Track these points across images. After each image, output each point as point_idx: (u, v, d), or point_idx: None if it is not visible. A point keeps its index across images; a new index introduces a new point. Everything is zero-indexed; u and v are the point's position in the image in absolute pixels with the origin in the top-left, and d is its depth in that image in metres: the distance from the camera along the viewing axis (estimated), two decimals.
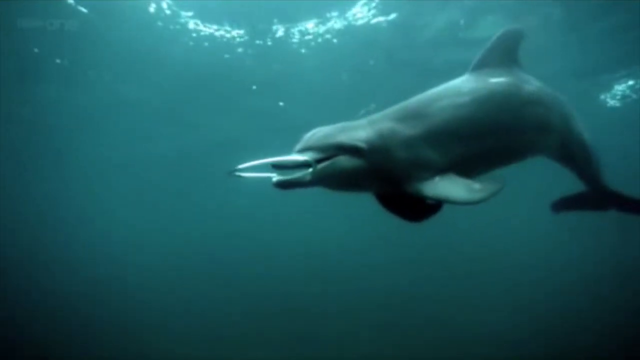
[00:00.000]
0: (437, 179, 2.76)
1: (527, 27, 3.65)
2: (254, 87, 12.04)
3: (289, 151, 2.66)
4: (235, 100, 12.94)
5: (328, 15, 9.20)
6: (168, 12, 8.98)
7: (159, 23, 9.26)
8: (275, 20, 9.41)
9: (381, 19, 9.12)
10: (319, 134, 2.70)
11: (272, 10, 9.10)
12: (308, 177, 2.52)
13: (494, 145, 3.07)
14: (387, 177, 2.77)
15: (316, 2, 8.87)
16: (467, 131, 2.93)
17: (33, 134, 15.07)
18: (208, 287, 17.65)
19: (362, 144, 2.64)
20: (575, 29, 9.42)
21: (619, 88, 13.03)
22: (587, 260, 18.59)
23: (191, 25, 9.44)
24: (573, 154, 3.87)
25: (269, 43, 10.08)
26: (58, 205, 23.66)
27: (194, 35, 9.73)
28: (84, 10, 8.62)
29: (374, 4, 8.72)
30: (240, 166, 2.50)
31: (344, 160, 2.62)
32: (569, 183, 4.48)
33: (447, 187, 2.70)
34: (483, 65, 3.37)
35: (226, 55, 10.48)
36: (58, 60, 10.48)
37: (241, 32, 9.78)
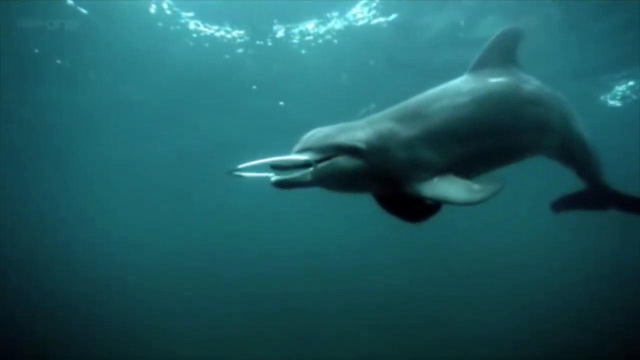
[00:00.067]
0: (436, 179, 2.76)
1: (527, 28, 3.65)
2: (254, 87, 12.04)
3: (288, 151, 2.66)
4: (235, 101, 12.94)
5: (328, 15, 9.21)
6: (169, 12, 8.99)
7: (160, 24, 9.26)
8: (275, 21, 9.42)
9: (381, 19, 9.12)
10: (318, 134, 2.70)
11: (272, 11, 9.10)
12: (307, 177, 2.53)
13: (494, 145, 3.07)
14: (386, 178, 2.77)
15: (316, 3, 8.87)
16: (466, 131, 2.93)
17: (33, 134, 15.08)
18: (208, 287, 17.65)
19: (361, 145, 2.64)
20: (575, 29, 9.43)
21: (619, 89, 13.02)
22: (587, 260, 18.59)
23: (192, 25, 9.44)
24: (573, 153, 3.87)
25: (269, 43, 10.09)
26: (58, 205, 23.66)
27: (195, 36, 9.74)
28: (84, 11, 8.62)
29: (374, 4, 8.73)
30: (240, 166, 2.50)
31: (343, 161, 2.61)
32: (569, 183, 4.48)
33: (446, 187, 2.70)
34: (482, 66, 3.37)
35: (226, 56, 10.48)
36: (58, 61, 10.48)
37: (241, 32, 9.78)
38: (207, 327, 12.54)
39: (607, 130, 10.23)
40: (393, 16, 9.01)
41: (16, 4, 8.15)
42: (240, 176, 2.60)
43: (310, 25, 9.53)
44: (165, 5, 8.81)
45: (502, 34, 3.47)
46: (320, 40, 9.93)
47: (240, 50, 10.35)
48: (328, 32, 9.66)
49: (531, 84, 3.43)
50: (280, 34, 9.76)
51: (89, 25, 8.92)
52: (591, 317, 11.09)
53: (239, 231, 26.13)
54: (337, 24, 9.40)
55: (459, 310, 13.00)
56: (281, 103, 13.08)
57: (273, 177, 2.53)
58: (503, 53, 3.44)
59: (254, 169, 2.52)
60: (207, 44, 9.99)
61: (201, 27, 9.54)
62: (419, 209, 2.96)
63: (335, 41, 9.87)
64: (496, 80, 3.29)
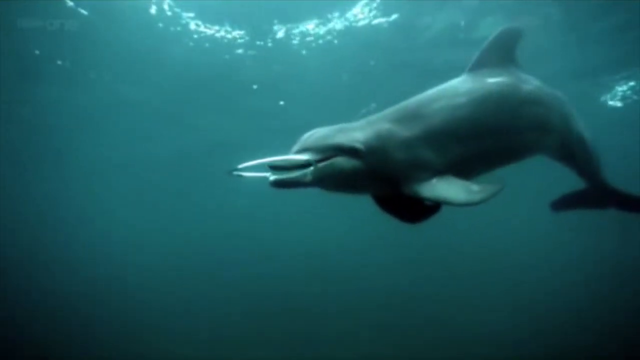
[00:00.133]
0: (435, 180, 2.75)
1: (527, 28, 3.65)
2: (255, 86, 12.04)
3: (288, 152, 2.66)
4: (235, 101, 12.94)
5: (329, 16, 9.21)
6: (169, 13, 8.99)
7: (160, 24, 9.26)
8: (275, 21, 9.42)
9: (382, 19, 9.12)
10: (317, 135, 2.70)
11: (272, 11, 9.10)
12: (307, 178, 2.53)
13: (493, 145, 3.06)
14: (385, 178, 2.77)
15: (317, 3, 8.87)
16: (465, 132, 2.93)
17: (33, 134, 15.08)
18: (208, 287, 17.65)
19: (360, 145, 2.64)
20: (575, 29, 9.42)
21: (620, 89, 13.02)
22: (587, 260, 18.59)
23: (192, 26, 9.45)
24: (573, 153, 3.86)
25: (270, 44, 10.09)
26: (58, 205, 23.66)
27: (195, 36, 9.74)
28: (84, 12, 8.62)
29: (374, 5, 8.73)
30: (240, 166, 2.50)
31: (342, 161, 2.61)
32: (569, 182, 4.48)
33: (446, 188, 2.69)
34: (481, 65, 3.36)
35: (226, 56, 10.48)
36: (59, 62, 10.49)
37: (242, 32, 9.78)
38: (207, 327, 12.54)
39: (608, 130, 10.24)
40: (393, 16, 9.00)
41: (16, 4, 8.15)
42: (240, 176, 2.60)
43: (310, 26, 9.54)
44: (165, 6, 8.81)
45: (501, 33, 3.46)
46: (320, 41, 9.93)
47: (240, 51, 10.35)
48: (328, 32, 9.66)
49: (530, 83, 3.42)
50: (280, 34, 9.76)
51: (89, 25, 8.93)
52: (591, 317, 11.09)
53: (239, 231, 26.14)
54: (337, 24, 9.40)
55: (459, 310, 13.00)
56: (281, 103, 13.09)
57: (272, 176, 2.52)
58: (502, 53, 3.43)
59: (254, 168, 2.52)
60: (207, 44, 9.99)
61: (201, 28, 9.55)
62: (418, 210, 2.96)
63: (336, 41, 9.87)
64: (495, 80, 3.28)
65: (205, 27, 9.53)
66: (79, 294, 15.29)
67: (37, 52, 9.94)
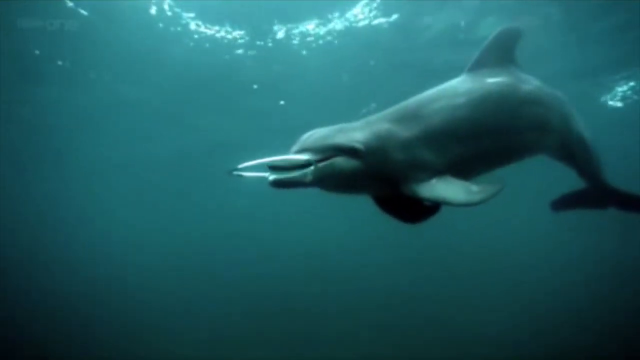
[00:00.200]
0: (434, 180, 2.75)
1: (527, 28, 3.65)
2: (255, 86, 12.04)
3: (288, 152, 2.66)
4: (235, 101, 12.94)
5: (329, 16, 9.21)
6: (169, 13, 8.99)
7: (160, 24, 9.26)
8: (276, 22, 9.42)
9: (382, 20, 9.12)
10: (316, 135, 2.70)
11: (273, 12, 9.10)
12: (306, 178, 2.52)
13: (492, 146, 3.06)
14: (384, 179, 2.77)
15: (317, 3, 8.87)
16: (465, 132, 2.93)
17: (33, 134, 15.08)
18: (208, 287, 17.65)
19: (359, 145, 2.63)
20: (575, 29, 9.43)
21: (620, 89, 13.01)
22: (587, 260, 18.59)
23: (192, 26, 9.45)
24: (573, 152, 3.86)
25: (270, 44, 10.09)
26: (58, 205, 23.66)
27: (196, 36, 9.74)
28: (84, 12, 8.63)
29: (374, 5, 8.73)
30: (240, 166, 2.50)
31: (341, 162, 2.61)
32: (569, 182, 4.48)
33: (445, 188, 2.70)
34: (480, 65, 3.36)
35: (227, 56, 10.49)
36: (59, 62, 10.49)
37: (242, 33, 9.78)
38: (207, 327, 12.54)
39: (608, 130, 10.24)
40: (394, 17, 9.01)
41: (16, 4, 8.16)
42: (240, 176, 2.60)
43: (310, 26, 9.54)
44: (166, 6, 8.81)
45: (500, 33, 3.46)
46: (320, 41, 9.93)
47: (240, 51, 10.35)
48: (329, 32, 9.66)
49: (530, 83, 3.42)
50: (280, 34, 9.76)
51: (89, 26, 8.93)
52: (591, 317, 11.09)
53: (239, 231, 26.14)
54: (337, 24, 9.40)
55: (459, 310, 13.00)
56: (282, 102, 13.08)
57: (271, 176, 2.52)
58: (501, 52, 3.43)
59: (254, 168, 2.52)
60: (207, 45, 9.99)
61: (202, 28, 9.55)
62: (417, 210, 2.96)
63: (336, 42, 9.87)
64: (494, 80, 3.28)
65: (206, 27, 9.53)
66: (79, 294, 15.29)
67: (37, 52, 9.94)
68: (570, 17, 8.99)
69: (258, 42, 10.07)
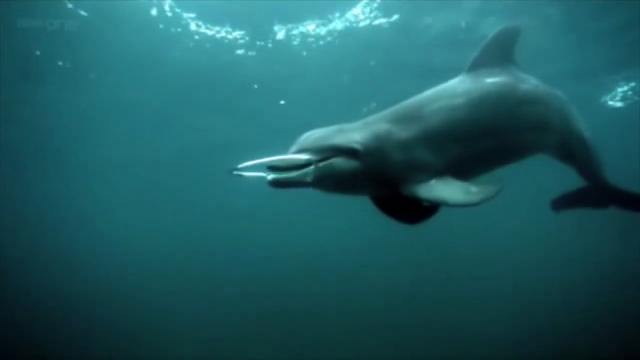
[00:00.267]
0: (433, 181, 2.75)
1: (527, 28, 3.64)
2: (256, 86, 12.04)
3: (287, 152, 2.66)
4: (235, 102, 12.94)
5: (330, 16, 9.21)
6: (170, 14, 8.99)
7: (161, 25, 9.27)
8: (276, 22, 9.42)
9: (383, 20, 9.12)
10: (315, 135, 2.70)
11: (273, 12, 9.10)
12: (305, 178, 2.52)
13: (492, 146, 3.06)
14: (383, 179, 2.77)
15: (317, 3, 8.87)
16: (463, 132, 2.92)
17: (33, 134, 15.08)
18: (208, 287, 17.65)
19: (357, 146, 2.64)
20: (575, 29, 9.42)
21: (620, 89, 13.01)
22: (587, 260, 18.59)
23: (193, 26, 9.45)
24: (574, 152, 3.85)
25: (270, 44, 10.09)
26: (58, 205, 23.65)
27: (196, 37, 9.74)
28: (84, 13, 8.63)
29: (375, 5, 8.73)
30: (241, 165, 2.50)
31: (340, 162, 2.61)
32: (569, 182, 4.48)
33: (443, 189, 2.69)
34: (479, 65, 3.35)
35: (227, 57, 10.49)
36: (60, 63, 10.49)
37: (242, 33, 9.78)
38: (207, 327, 12.54)
39: (608, 131, 10.23)
40: (394, 17, 9.01)
41: (16, 4, 8.16)
42: (241, 176, 2.60)
43: (311, 27, 9.54)
44: (166, 7, 8.82)
45: (499, 33, 3.45)
46: (321, 42, 9.93)
47: (241, 51, 10.35)
48: (329, 33, 9.66)
49: (529, 83, 3.41)
50: (280, 35, 9.76)
51: (89, 26, 8.94)
52: (591, 318, 11.09)
53: (239, 231, 26.13)
54: (338, 24, 9.40)
55: (460, 310, 13.01)
56: (282, 102, 13.08)
57: (269, 176, 2.52)
58: (500, 52, 3.42)
59: (254, 168, 2.52)
60: (207, 45, 9.99)
61: (202, 29, 9.55)
62: (416, 211, 2.96)
63: (336, 42, 9.87)
64: (493, 80, 3.27)
65: (206, 27, 9.54)
66: (78, 294, 15.29)
67: (37, 53, 9.94)
68: (570, 17, 8.99)
69: (258, 43, 10.07)
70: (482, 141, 3.00)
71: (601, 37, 9.66)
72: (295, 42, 9.99)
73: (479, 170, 3.13)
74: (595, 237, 19.00)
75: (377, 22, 9.17)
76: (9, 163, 17.27)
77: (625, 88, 12.91)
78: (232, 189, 19.95)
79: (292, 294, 15.49)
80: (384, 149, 2.72)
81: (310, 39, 9.89)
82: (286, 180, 2.51)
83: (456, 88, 3.17)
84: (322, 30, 9.62)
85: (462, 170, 2.90)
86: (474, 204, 2.56)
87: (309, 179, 2.53)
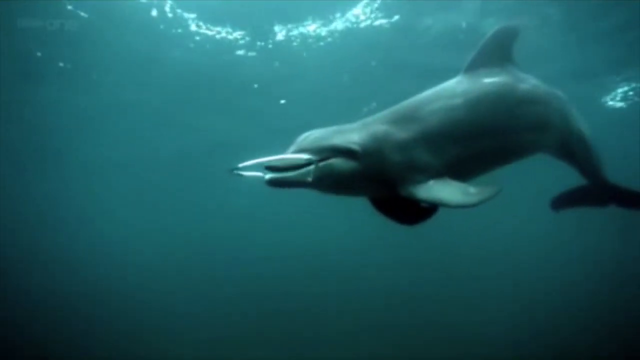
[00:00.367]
0: (431, 182, 2.74)
1: (527, 28, 3.65)
2: (256, 85, 12.04)
3: (285, 153, 2.65)
4: (236, 102, 12.95)
5: (330, 17, 9.21)
6: (170, 15, 9.00)
7: (161, 26, 9.27)
8: (276, 22, 9.42)
9: (383, 21, 9.13)
10: (313, 136, 2.70)
11: (273, 12, 9.11)
12: (304, 177, 2.52)
13: (491, 146, 3.05)
14: (381, 180, 2.76)
15: (317, 4, 8.87)
16: (462, 133, 2.92)
17: (33, 134, 15.08)
18: (208, 287, 17.65)
19: (356, 147, 2.64)
20: (575, 29, 9.42)
21: (621, 90, 13.00)
22: (587, 259, 18.59)
23: (193, 27, 9.46)
24: (573, 151, 3.84)
25: (270, 45, 10.09)
26: (58, 205, 23.65)
27: (197, 38, 9.75)
28: (83, 14, 8.63)
29: (375, 5, 8.73)
30: (241, 165, 2.50)
31: (338, 163, 2.61)
32: (569, 182, 4.47)
33: (442, 190, 2.69)
34: (477, 65, 3.34)
35: (227, 57, 10.49)
36: (61, 64, 10.49)
37: (242, 33, 9.78)
38: (207, 327, 12.54)
39: (609, 131, 10.22)
40: (395, 18, 9.01)
41: (16, 4, 8.16)
42: (240, 175, 2.60)
43: (311, 27, 9.54)
44: (167, 8, 8.82)
45: (497, 32, 3.44)
46: (321, 43, 9.93)
47: (241, 52, 10.35)
48: (330, 33, 9.66)
49: (528, 82, 3.40)
50: (281, 35, 9.76)
51: (90, 27, 8.94)
52: (591, 317, 11.09)
53: (238, 231, 26.12)
54: (338, 25, 9.40)
55: (459, 310, 13.01)
56: (282, 101, 13.07)
57: (267, 175, 2.52)
58: (498, 52, 3.41)
59: (254, 168, 2.52)
60: (208, 45, 10.00)
61: (202, 29, 9.55)
62: (414, 212, 2.95)
63: (337, 42, 9.87)
64: (492, 80, 3.26)
65: (207, 28, 9.54)
66: (79, 294, 15.29)
67: (38, 53, 9.95)
68: (570, 17, 8.99)
69: (259, 43, 10.07)
70: (481, 141, 2.99)
71: (601, 37, 9.65)
72: (295, 43, 9.99)
73: (478, 171, 3.13)
74: (595, 236, 19.00)
75: (377, 22, 9.18)
76: (9, 163, 17.26)
77: (626, 88, 12.90)
78: (232, 189, 19.94)
79: (292, 294, 15.48)
80: (382, 150, 2.72)
81: (310, 40, 9.89)
82: (284, 180, 2.51)
83: (455, 88, 3.16)
84: (323, 31, 9.63)
85: (461, 170, 2.89)
86: (473, 205, 2.56)
87: (307, 179, 2.53)
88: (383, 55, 10.46)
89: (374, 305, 14.03)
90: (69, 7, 8.40)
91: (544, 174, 8.91)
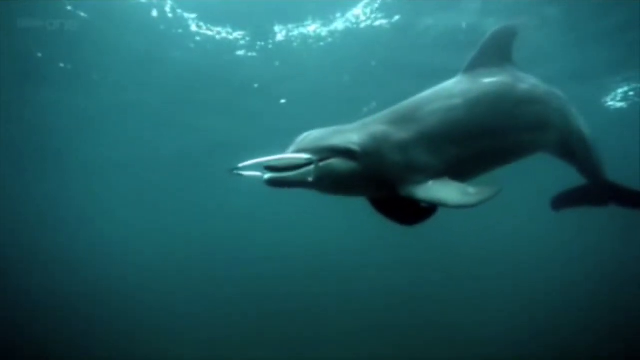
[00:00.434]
0: (431, 182, 2.74)
1: (525, 27, 3.65)
2: (256, 85, 12.04)
3: (285, 153, 2.65)
4: (235, 102, 12.95)
5: (331, 17, 9.21)
6: (170, 15, 9.00)
7: (162, 26, 9.27)
8: (277, 22, 9.42)
9: (384, 21, 9.13)
10: (312, 136, 2.69)
11: (274, 12, 9.10)
12: (304, 177, 2.52)
13: (490, 146, 3.05)
14: (380, 180, 2.76)
15: (318, 4, 8.87)
16: (461, 133, 2.92)
17: (33, 135, 15.09)
18: (208, 287, 17.64)
19: (355, 147, 2.63)
20: (575, 29, 9.42)
21: (621, 90, 12.99)
22: (587, 259, 18.59)
23: (193, 27, 9.46)
24: (574, 150, 3.84)
25: (270, 45, 10.09)
26: (58, 205, 23.66)
27: (197, 38, 9.75)
28: (83, 15, 8.63)
29: (376, 6, 8.73)
30: (241, 165, 2.50)
31: (337, 163, 2.60)
32: (569, 182, 4.47)
33: (441, 190, 2.68)
34: (476, 66, 3.34)
35: (228, 57, 10.49)
36: (61, 64, 10.49)
37: (243, 34, 9.78)
38: (207, 327, 12.54)
39: (609, 131, 10.22)
40: (395, 18, 9.01)
41: (16, 4, 8.16)
42: (240, 175, 2.60)
43: (312, 27, 9.54)
44: (167, 8, 8.82)
45: (496, 32, 3.44)
46: (322, 43, 9.93)
47: (241, 52, 10.35)
48: (330, 34, 9.66)
49: (527, 82, 3.39)
50: (281, 35, 9.76)
51: (90, 28, 8.94)
52: (591, 317, 11.09)
53: (238, 231, 26.13)
54: (339, 25, 9.40)
55: (459, 310, 13.00)
56: (283, 100, 13.07)
57: (266, 175, 2.52)
58: (497, 52, 3.41)
59: (254, 168, 2.51)
60: (208, 46, 10.00)
61: (203, 29, 9.56)
62: (413, 212, 2.95)
63: (337, 43, 9.87)
64: (491, 80, 3.26)
65: (207, 28, 9.54)
66: (79, 294, 15.29)
67: (39, 54, 9.95)
68: (570, 17, 8.98)
69: (259, 43, 10.08)
70: (480, 141, 2.99)
71: (601, 37, 9.65)
72: (295, 43, 10.00)
73: (478, 171, 3.12)
74: (596, 236, 19.01)
75: (377, 22, 9.18)
76: (9, 163, 17.27)
77: (626, 88, 12.90)
78: (232, 189, 19.94)
79: (292, 294, 15.48)
80: (381, 150, 2.71)
81: (310, 40, 9.89)
82: (283, 180, 2.51)
83: (454, 88, 3.16)
84: (323, 31, 9.63)
85: (460, 171, 2.89)
86: (472, 206, 2.55)
87: (306, 179, 2.53)
88: (383, 56, 10.45)
89: (374, 305, 14.03)
90: (69, 8, 8.40)
91: (544, 174, 8.92)
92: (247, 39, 9.94)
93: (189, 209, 25.08)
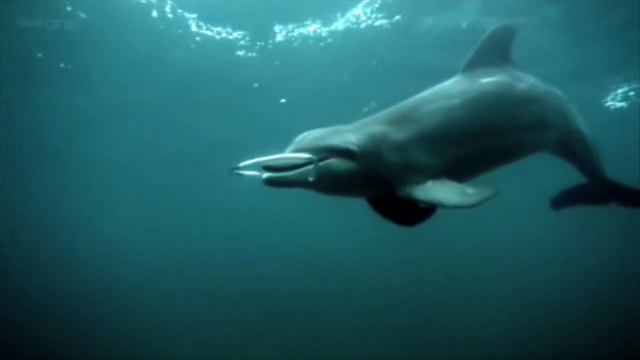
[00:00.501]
0: (430, 183, 2.74)
1: (524, 27, 3.65)
2: (256, 85, 12.04)
3: (284, 153, 2.65)
4: (236, 102, 12.95)
5: (331, 17, 9.21)
6: (171, 15, 9.00)
7: (162, 26, 9.27)
8: (277, 23, 9.42)
9: (384, 21, 9.13)
10: (311, 136, 2.69)
11: (274, 13, 9.11)
12: (302, 178, 2.51)
13: (490, 146, 3.05)
14: (379, 181, 2.76)
15: (318, 4, 8.87)
16: (460, 133, 2.91)
17: (34, 135, 15.09)
18: (208, 287, 17.65)
19: (354, 147, 2.63)
20: (575, 29, 9.42)
21: (621, 90, 12.99)
22: (588, 259, 18.58)
23: (194, 28, 9.46)
24: (574, 149, 3.83)
25: (270, 46, 10.09)
26: (58, 205, 23.66)
27: (197, 38, 9.75)
28: (83, 15, 8.63)
29: (376, 6, 8.73)
30: (241, 164, 2.50)
31: (336, 163, 2.60)
32: (569, 182, 4.46)
33: (440, 191, 2.68)
34: (475, 65, 3.33)
35: (228, 58, 10.49)
36: (62, 65, 10.50)
37: (243, 34, 9.79)
38: (207, 328, 12.54)
39: (609, 131, 10.22)
40: (396, 18, 9.01)
41: (16, 4, 8.16)
42: (240, 175, 2.59)
43: (312, 27, 9.54)
44: (167, 9, 8.83)
45: (495, 32, 3.43)
46: (322, 43, 9.93)
47: (241, 52, 10.36)
48: (330, 34, 9.66)
49: (527, 82, 3.38)
50: (282, 35, 9.77)
51: (90, 28, 8.94)
52: (591, 317, 11.09)
53: (239, 231, 26.12)
54: (339, 25, 9.40)
55: (459, 310, 13.01)
56: (283, 101, 13.07)
57: (265, 174, 2.51)
58: (496, 51, 3.40)
59: (254, 168, 2.51)
60: (208, 46, 10.00)
61: (203, 29, 9.56)
62: (412, 213, 2.95)
63: (338, 43, 9.87)
64: (490, 80, 3.25)
65: (207, 28, 9.55)
66: (79, 294, 15.29)
67: (39, 55, 9.95)
68: (570, 17, 8.98)
69: (259, 43, 10.08)
70: (479, 142, 2.98)
71: (601, 37, 9.64)
72: (295, 44, 10.00)
73: (478, 171, 3.12)
74: (596, 235, 19.00)
75: (378, 23, 9.18)
76: (9, 163, 17.27)
77: (626, 88, 12.90)
78: (232, 189, 19.93)
79: (292, 294, 15.49)
80: (380, 151, 2.71)
81: (311, 41, 9.89)
82: (282, 180, 2.51)
83: (452, 89, 3.15)
84: (323, 31, 9.63)
85: (460, 171, 2.89)
86: (471, 206, 2.55)
87: (305, 179, 2.52)
88: (383, 56, 10.45)
89: (374, 305, 14.03)
90: (69, 8, 8.40)
91: (544, 174, 8.91)
92: (248, 39, 9.94)
93: (189, 209, 25.06)
